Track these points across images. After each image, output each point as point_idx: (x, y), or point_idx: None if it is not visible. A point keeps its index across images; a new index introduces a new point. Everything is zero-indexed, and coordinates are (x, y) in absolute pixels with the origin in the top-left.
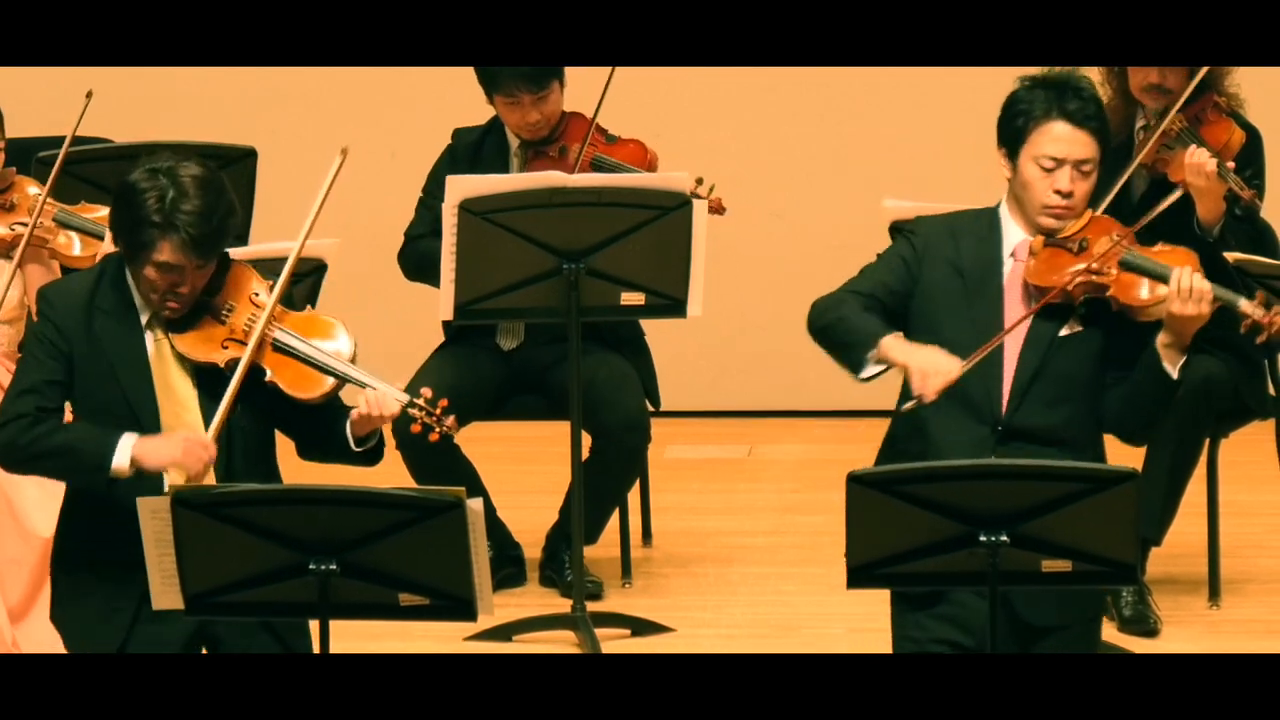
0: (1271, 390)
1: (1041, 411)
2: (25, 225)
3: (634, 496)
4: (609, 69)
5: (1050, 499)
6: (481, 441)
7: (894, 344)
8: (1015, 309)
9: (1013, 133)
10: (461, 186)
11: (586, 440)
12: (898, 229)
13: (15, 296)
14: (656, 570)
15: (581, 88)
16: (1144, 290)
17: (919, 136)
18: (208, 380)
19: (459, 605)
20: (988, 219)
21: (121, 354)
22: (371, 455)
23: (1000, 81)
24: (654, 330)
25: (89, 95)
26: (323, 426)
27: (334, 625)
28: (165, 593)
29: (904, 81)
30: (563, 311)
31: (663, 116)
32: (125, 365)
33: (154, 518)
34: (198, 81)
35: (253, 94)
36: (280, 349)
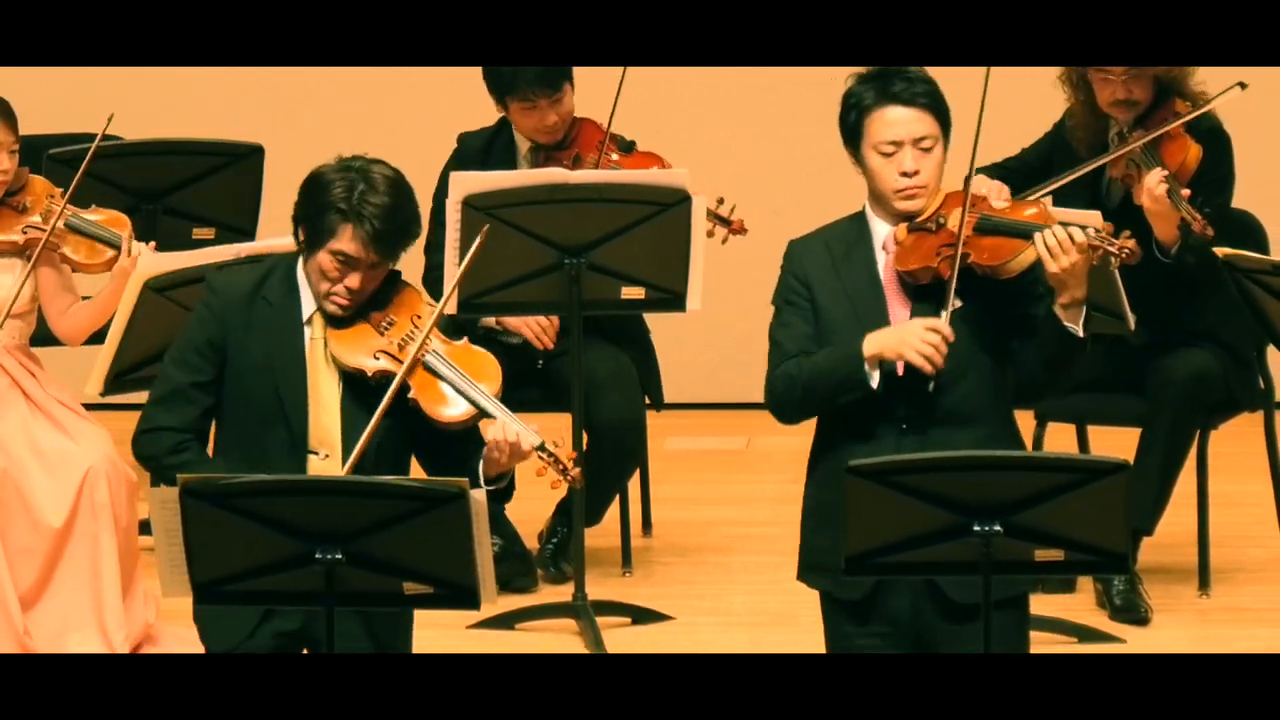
0: (1260, 383)
1: (937, 394)
2: (36, 226)
3: (634, 487)
4: (620, 72)
5: (1043, 489)
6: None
7: (874, 341)
8: (895, 302)
9: (849, 129)
10: (465, 183)
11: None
12: None
13: (27, 292)
14: (656, 559)
15: (584, 90)
16: (1002, 249)
17: None
18: (352, 388)
19: (462, 594)
20: (856, 223)
21: (278, 344)
22: (502, 496)
23: (992, 80)
24: (654, 324)
25: (110, 118)
26: (457, 459)
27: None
28: (174, 581)
29: None
30: (565, 306)
31: (663, 116)
32: (280, 356)
33: (163, 508)
34: (206, 81)
35: (259, 93)
36: (429, 369)
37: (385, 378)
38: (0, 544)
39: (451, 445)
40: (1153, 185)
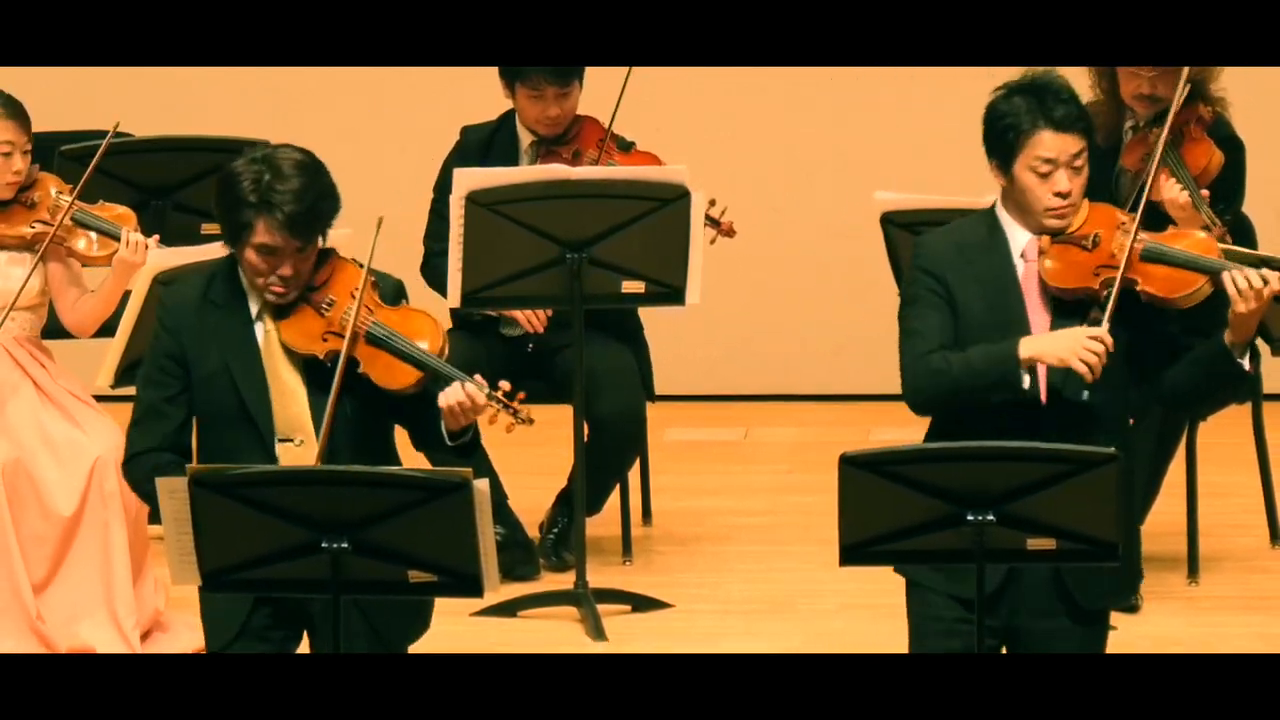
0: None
1: (1076, 415)
2: (45, 222)
3: (634, 477)
4: (625, 72)
5: (1035, 479)
6: (485, 424)
7: (1034, 346)
8: (1036, 310)
9: (1004, 146)
10: (468, 179)
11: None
12: (889, 220)
13: (36, 286)
14: (656, 548)
15: (586, 89)
16: (1179, 282)
17: (908, 132)
18: (314, 372)
19: (466, 582)
20: (986, 225)
21: (232, 346)
22: (467, 449)
23: (982, 80)
24: (653, 317)
25: (115, 126)
26: (424, 419)
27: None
28: (183, 570)
29: (893, 80)
30: (566, 299)
31: (662, 114)
32: (236, 357)
33: (172, 497)
34: (213, 80)
35: (265, 92)
36: (372, 341)
37: (338, 357)
38: (13, 532)
39: (413, 405)
40: (1175, 196)
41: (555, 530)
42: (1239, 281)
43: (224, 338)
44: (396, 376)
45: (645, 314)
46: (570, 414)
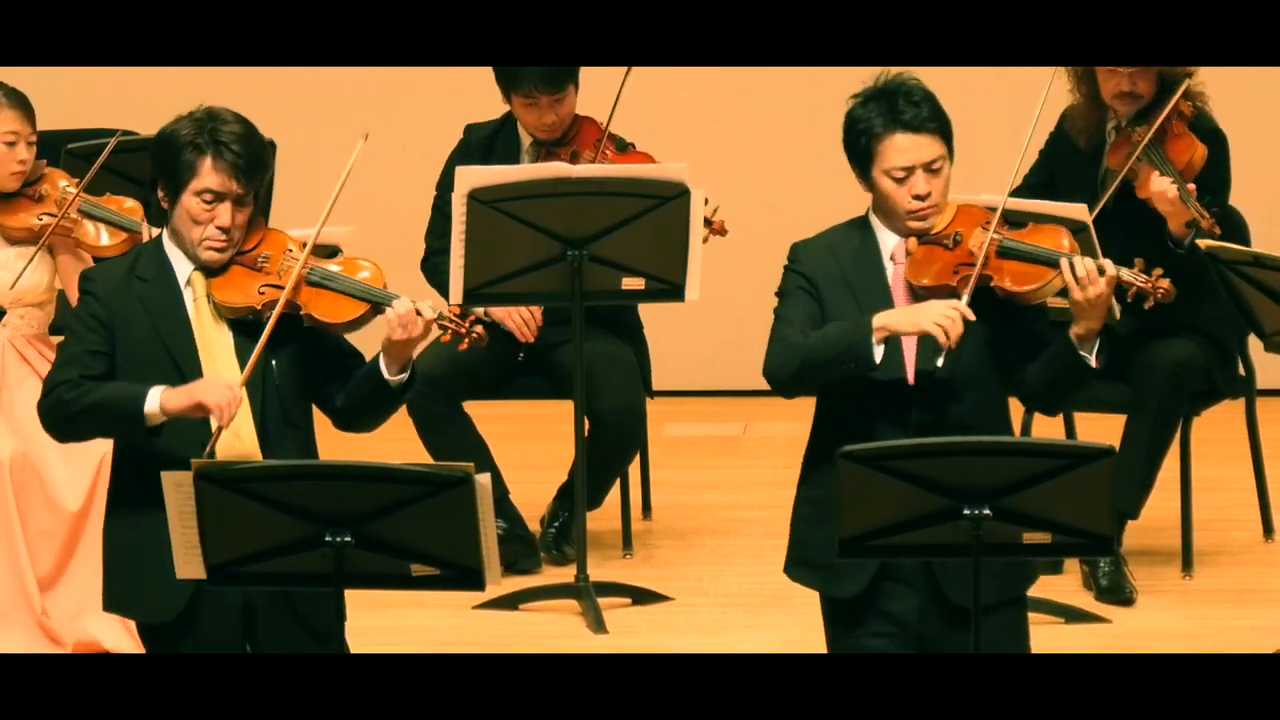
0: (1241, 371)
1: (945, 402)
2: (53, 214)
3: (635, 471)
4: (622, 72)
5: (1031, 474)
6: (487, 419)
7: (887, 317)
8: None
9: (859, 153)
10: (470, 177)
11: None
12: None
13: (45, 281)
14: (656, 542)
15: (583, 87)
16: (1029, 276)
17: None
18: (245, 336)
19: (468, 575)
20: (859, 229)
21: (162, 314)
22: (405, 388)
23: (982, 78)
24: (653, 314)
25: (118, 134)
26: (354, 371)
27: (349, 593)
28: (188, 562)
29: None
30: (567, 296)
31: (660, 112)
32: (167, 324)
33: (178, 491)
34: (216, 79)
35: (269, 92)
36: (314, 283)
37: (276, 304)
38: (19, 527)
39: (346, 360)
40: (1164, 189)
41: (556, 524)
42: (1076, 269)
43: (152, 305)
44: (342, 311)
45: (645, 310)
46: (570, 409)
